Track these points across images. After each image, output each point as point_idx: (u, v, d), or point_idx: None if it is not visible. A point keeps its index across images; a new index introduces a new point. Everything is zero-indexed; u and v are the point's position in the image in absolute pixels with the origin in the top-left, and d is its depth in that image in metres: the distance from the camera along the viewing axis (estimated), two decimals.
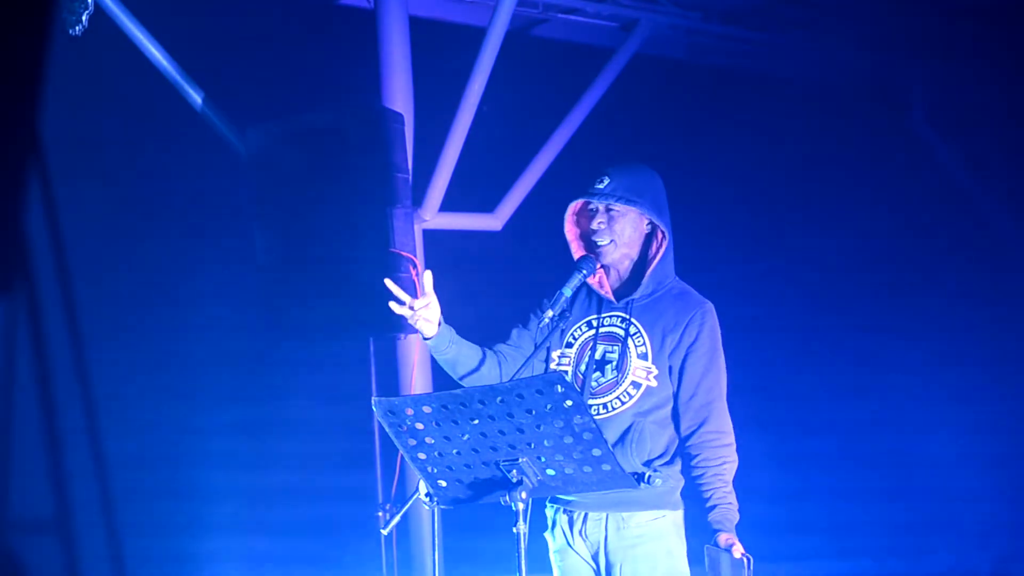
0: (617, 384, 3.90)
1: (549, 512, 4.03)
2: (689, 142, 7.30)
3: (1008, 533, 7.68)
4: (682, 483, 3.95)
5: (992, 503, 7.69)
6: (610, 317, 3.98)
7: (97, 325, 6.55)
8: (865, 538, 7.55)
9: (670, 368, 3.88)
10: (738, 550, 3.66)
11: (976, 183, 8.37)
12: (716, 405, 3.88)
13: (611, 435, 3.84)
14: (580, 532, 3.93)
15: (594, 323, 3.99)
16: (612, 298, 3.99)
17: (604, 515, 3.88)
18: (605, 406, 3.89)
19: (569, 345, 4.02)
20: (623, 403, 3.87)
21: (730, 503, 3.80)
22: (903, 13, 7.35)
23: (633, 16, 7.10)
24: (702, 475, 3.83)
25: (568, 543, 3.96)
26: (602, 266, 4.01)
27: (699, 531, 3.88)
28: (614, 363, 3.91)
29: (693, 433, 3.86)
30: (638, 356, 3.90)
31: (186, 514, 6.59)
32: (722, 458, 3.84)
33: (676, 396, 3.90)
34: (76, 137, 6.19)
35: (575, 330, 4.03)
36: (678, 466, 3.92)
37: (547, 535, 4.04)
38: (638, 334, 3.91)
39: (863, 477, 7.74)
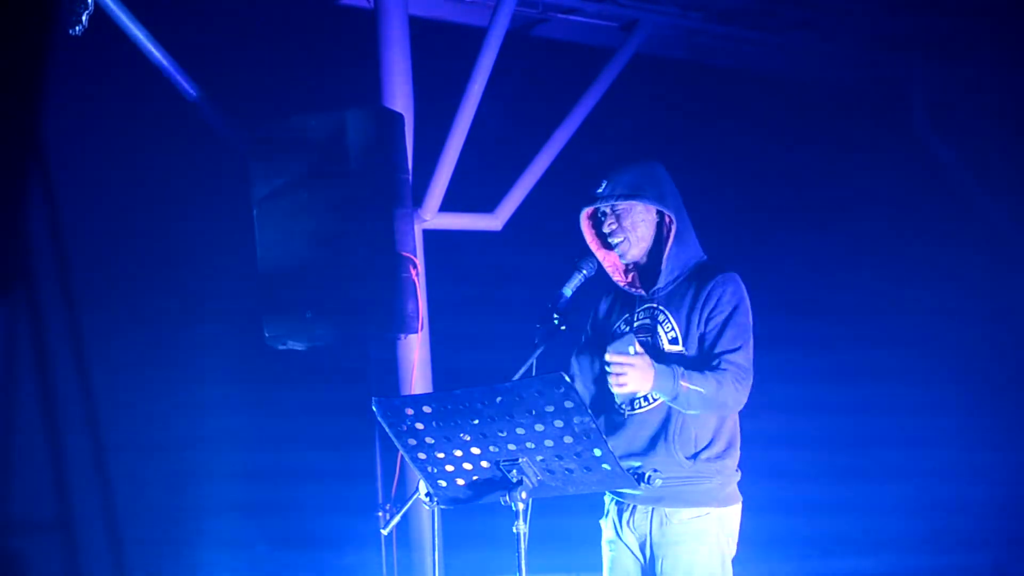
0: None
1: (606, 500, 4.05)
2: (689, 142, 7.29)
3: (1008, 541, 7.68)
4: (735, 478, 3.94)
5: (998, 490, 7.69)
6: (642, 311, 3.99)
7: (96, 324, 6.55)
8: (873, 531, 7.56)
9: (699, 341, 3.87)
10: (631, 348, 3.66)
11: (976, 182, 8.37)
12: (735, 353, 3.81)
13: (652, 428, 3.84)
14: (628, 523, 3.95)
15: (628, 322, 3.99)
16: (643, 292, 4.00)
17: (650, 508, 3.90)
18: (646, 398, 3.86)
19: None
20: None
21: (688, 383, 3.70)
22: (903, 13, 7.35)
23: (633, 16, 7.09)
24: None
25: (618, 533, 3.99)
26: (628, 264, 4.03)
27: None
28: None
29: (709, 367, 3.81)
30: (669, 342, 3.90)
31: (185, 502, 6.59)
32: (723, 376, 3.76)
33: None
34: (77, 137, 6.18)
35: (615, 332, 4.03)
36: (730, 460, 3.90)
37: (602, 522, 4.07)
38: (666, 320, 3.92)
39: (862, 463, 7.75)
